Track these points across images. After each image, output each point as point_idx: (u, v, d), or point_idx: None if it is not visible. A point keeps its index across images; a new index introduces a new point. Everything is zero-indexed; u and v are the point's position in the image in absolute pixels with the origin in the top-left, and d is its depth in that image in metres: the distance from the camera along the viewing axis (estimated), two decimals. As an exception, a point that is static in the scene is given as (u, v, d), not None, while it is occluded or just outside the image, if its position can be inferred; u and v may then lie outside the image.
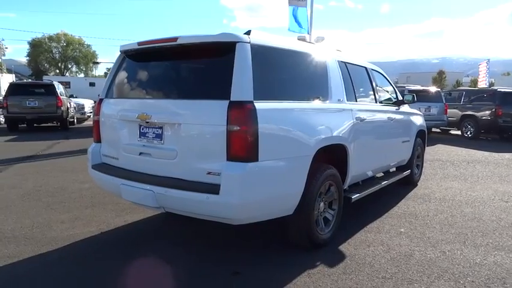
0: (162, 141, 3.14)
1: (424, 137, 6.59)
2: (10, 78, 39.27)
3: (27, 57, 61.01)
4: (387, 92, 5.54)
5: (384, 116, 4.86)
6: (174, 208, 3.10)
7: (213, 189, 2.77)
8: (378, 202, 5.29)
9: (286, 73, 3.35)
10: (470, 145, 12.19)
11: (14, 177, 6.57)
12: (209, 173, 2.85)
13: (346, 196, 4.09)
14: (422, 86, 16.85)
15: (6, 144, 11.13)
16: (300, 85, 3.47)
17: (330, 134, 3.57)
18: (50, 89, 14.55)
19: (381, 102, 5.00)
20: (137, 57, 3.56)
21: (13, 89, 14.27)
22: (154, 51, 3.35)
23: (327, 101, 3.72)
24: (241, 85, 2.79)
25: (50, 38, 60.95)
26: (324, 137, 3.43)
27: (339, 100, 3.89)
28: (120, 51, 3.63)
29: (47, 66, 61.90)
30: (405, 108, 5.87)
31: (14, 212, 4.67)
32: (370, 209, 4.98)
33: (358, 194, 4.26)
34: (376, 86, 4.94)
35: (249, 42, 2.94)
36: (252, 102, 2.78)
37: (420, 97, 13.48)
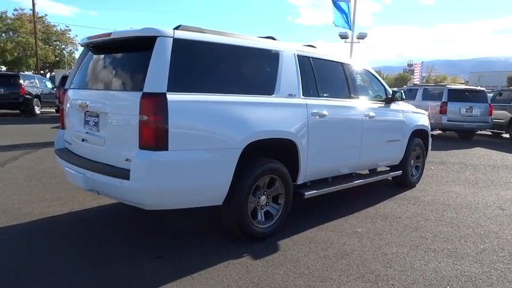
0: (98, 129, 3.37)
1: (426, 138, 6.25)
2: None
3: (99, 52, 65.38)
4: (372, 89, 5.36)
5: (357, 113, 4.70)
6: (100, 191, 3.32)
7: (126, 174, 2.95)
8: (356, 201, 5.17)
9: (218, 67, 3.41)
10: (513, 150, 11.25)
11: (33, 159, 7.28)
12: (127, 160, 3.02)
13: (298, 192, 4.08)
14: (478, 85, 15.77)
15: (50, 130, 12.19)
16: (234, 79, 3.50)
17: (269, 128, 3.57)
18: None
19: (358, 98, 4.85)
20: (91, 51, 3.82)
21: (64, 81, 15.53)
22: (98, 46, 3.62)
23: (272, 95, 3.72)
24: (155, 77, 2.92)
25: (119, 34, 64.77)
26: (258, 130, 3.44)
27: (290, 95, 3.87)
28: (80, 44, 3.93)
29: (115, 61, 65.90)
30: (399, 106, 5.62)
31: (11, 189, 5.21)
32: (342, 207, 4.88)
33: (314, 191, 4.21)
34: (353, 82, 4.80)
35: (172, 37, 3.06)
36: (163, 94, 2.90)
37: (462, 97, 12.73)
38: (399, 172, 5.72)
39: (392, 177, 5.91)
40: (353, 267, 3.28)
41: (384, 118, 5.21)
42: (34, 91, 17.35)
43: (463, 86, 14.15)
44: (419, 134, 6.06)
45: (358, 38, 17.38)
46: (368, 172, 5.66)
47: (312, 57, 4.31)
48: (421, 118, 6.13)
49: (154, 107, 2.87)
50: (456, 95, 12.64)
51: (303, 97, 4.01)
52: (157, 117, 2.87)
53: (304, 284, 2.97)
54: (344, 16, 16.50)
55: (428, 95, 13.44)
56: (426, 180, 6.60)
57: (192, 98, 3.08)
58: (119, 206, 4.66)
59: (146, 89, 2.90)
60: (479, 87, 13.65)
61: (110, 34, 3.30)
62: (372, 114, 4.91)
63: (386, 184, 6.16)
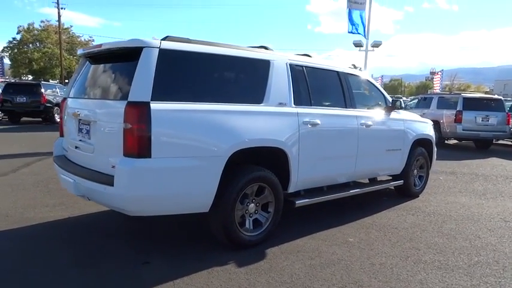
0: (89, 137, 3.49)
1: (430, 147, 6.15)
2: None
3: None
4: (371, 97, 5.34)
5: (353, 122, 4.68)
6: (90, 197, 3.42)
7: (111, 181, 3.04)
8: (354, 210, 5.13)
9: (204, 76, 3.47)
10: (532, 160, 10.90)
11: (44, 166, 7.49)
12: (113, 167, 3.11)
13: (290, 200, 4.09)
14: (504, 94, 15.39)
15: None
16: (221, 88, 3.57)
17: (256, 137, 3.61)
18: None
19: (354, 107, 4.83)
20: (88, 61, 3.97)
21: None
22: (93, 56, 3.76)
23: (261, 104, 3.76)
24: (139, 87, 3.02)
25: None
26: (244, 139, 3.49)
27: (280, 103, 3.90)
28: (78, 55, 4.09)
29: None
30: (400, 114, 5.57)
31: (18, 194, 5.40)
32: (338, 216, 4.85)
33: (306, 200, 4.22)
34: (349, 91, 4.79)
35: (158, 47, 3.16)
36: (147, 102, 2.99)
37: (478, 105, 12.47)
38: (400, 182, 5.65)
39: (394, 187, 5.84)
40: (337, 276, 3.27)
41: (382, 127, 5.17)
42: (55, 99, 17.93)
43: (478, 95, 13.84)
44: (422, 143, 5.97)
45: (372, 46, 17.27)
46: (368, 181, 5.61)
47: (306, 66, 4.34)
48: (425, 127, 6.05)
49: (138, 115, 2.96)
50: (472, 104, 12.38)
51: (294, 106, 4.03)
52: (140, 125, 2.96)
53: (284, 293, 2.98)
54: (356, 25, 16.41)
55: (443, 104, 13.21)
56: (431, 191, 6.48)
57: (176, 107, 3.15)
58: (117, 212, 4.77)
59: (131, 98, 3.00)
60: (495, 96, 13.33)
61: (101, 45, 3.44)
62: (369, 123, 4.88)
63: (388, 194, 6.08)
